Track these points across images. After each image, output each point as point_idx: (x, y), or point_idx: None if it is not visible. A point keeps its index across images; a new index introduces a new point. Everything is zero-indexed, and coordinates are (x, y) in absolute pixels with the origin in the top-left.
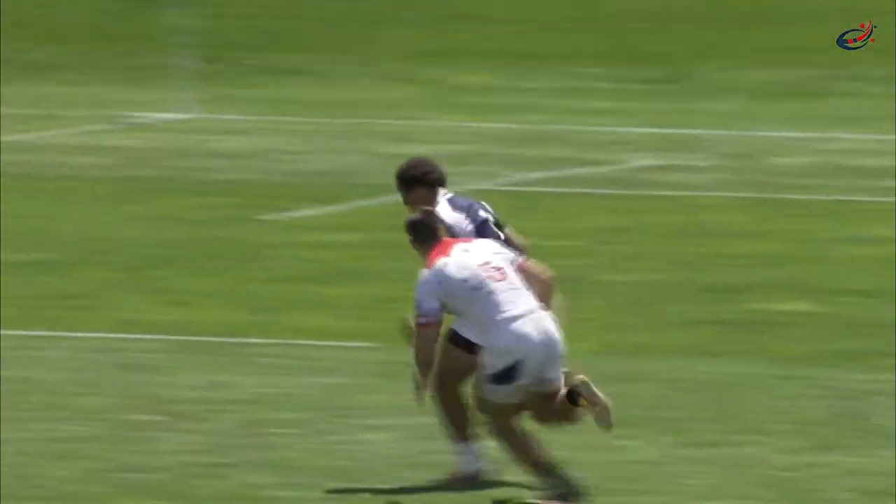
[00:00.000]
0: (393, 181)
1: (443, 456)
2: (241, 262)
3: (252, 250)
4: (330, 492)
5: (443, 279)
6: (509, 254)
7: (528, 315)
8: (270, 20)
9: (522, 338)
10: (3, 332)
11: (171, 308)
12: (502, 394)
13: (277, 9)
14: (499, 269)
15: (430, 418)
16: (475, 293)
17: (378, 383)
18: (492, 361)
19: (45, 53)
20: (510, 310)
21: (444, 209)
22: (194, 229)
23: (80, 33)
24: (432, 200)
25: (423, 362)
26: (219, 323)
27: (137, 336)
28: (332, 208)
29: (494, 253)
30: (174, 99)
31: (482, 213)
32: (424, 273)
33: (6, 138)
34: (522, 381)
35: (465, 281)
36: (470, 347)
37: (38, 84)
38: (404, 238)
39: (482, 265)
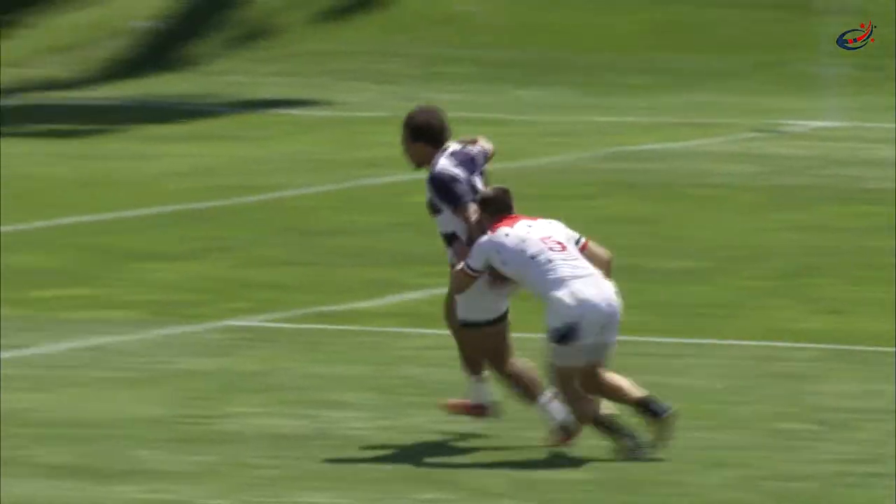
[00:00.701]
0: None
1: None
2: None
3: None
4: None
5: (500, 248)
6: (573, 233)
7: (587, 277)
8: None
9: (582, 297)
10: (650, 338)
11: (823, 317)
12: (567, 355)
13: None
14: (559, 242)
15: None
16: (533, 261)
17: None
18: (552, 322)
19: (700, 62)
20: (569, 273)
21: (446, 163)
22: (846, 238)
23: (734, 41)
24: (431, 156)
25: (455, 289)
26: (871, 332)
27: (788, 344)
28: None
29: (557, 232)
30: (825, 107)
31: (476, 176)
32: (484, 238)
33: (652, 147)
34: (583, 341)
35: (522, 251)
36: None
37: (691, 93)
38: None
39: (543, 238)
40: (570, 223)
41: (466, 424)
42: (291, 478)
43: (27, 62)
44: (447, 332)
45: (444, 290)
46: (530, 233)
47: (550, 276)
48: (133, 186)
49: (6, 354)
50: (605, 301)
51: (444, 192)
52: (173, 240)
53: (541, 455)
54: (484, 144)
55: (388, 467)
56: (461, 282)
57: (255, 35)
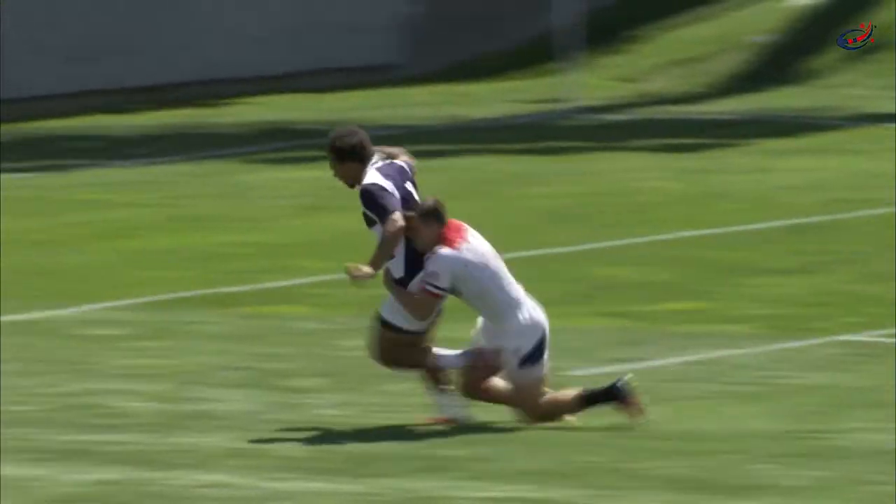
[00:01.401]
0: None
1: None
2: None
3: None
4: None
5: (467, 263)
6: None
7: (527, 299)
8: None
9: (536, 318)
10: None
11: None
12: (534, 375)
13: None
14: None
15: None
16: (495, 279)
17: None
18: (519, 344)
19: None
20: (520, 293)
21: (375, 176)
22: None
23: None
24: (361, 173)
25: (417, 314)
26: None
27: None
28: None
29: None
30: None
31: (409, 186)
32: (447, 252)
33: None
34: (545, 356)
35: (485, 266)
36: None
37: None
38: None
39: (493, 254)
40: None
41: None
42: None
43: (644, 77)
44: None
45: None
46: (483, 246)
47: (509, 297)
48: (748, 200)
49: (612, 368)
50: (545, 321)
51: (373, 203)
52: (786, 254)
53: None
54: (406, 159)
55: None
56: (429, 304)
57: (874, 48)
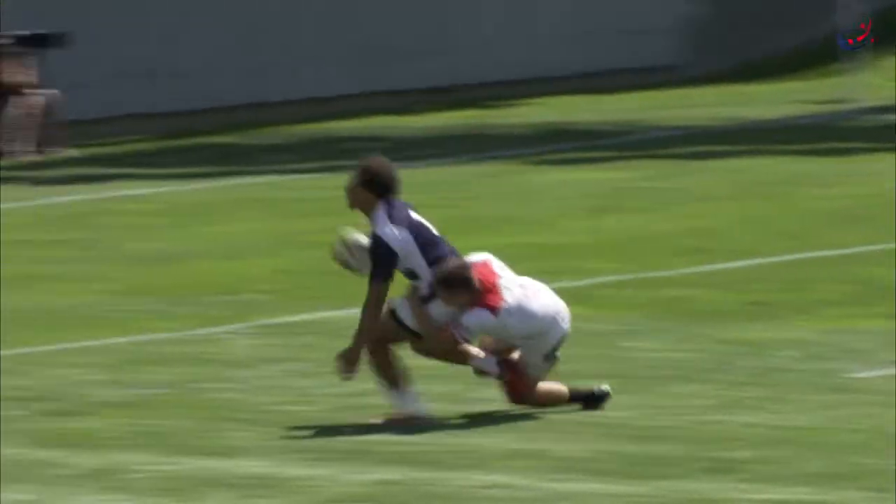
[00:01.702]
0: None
1: None
2: None
3: None
4: None
5: (507, 325)
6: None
7: (559, 304)
8: None
9: (564, 314)
10: None
11: None
12: (545, 368)
13: None
14: (522, 285)
15: None
16: (533, 317)
17: None
18: (542, 348)
19: None
20: (550, 307)
21: (389, 229)
22: None
23: None
24: (372, 207)
25: (431, 340)
26: None
27: None
28: None
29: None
30: None
31: (414, 216)
32: (489, 317)
33: None
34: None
35: (525, 318)
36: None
37: None
38: None
39: (520, 287)
40: None
41: None
42: None
43: None
44: None
45: None
46: (516, 293)
47: (546, 322)
48: None
49: (893, 371)
50: (568, 317)
51: (374, 257)
52: None
53: None
54: None
55: None
56: (448, 344)
57: None
